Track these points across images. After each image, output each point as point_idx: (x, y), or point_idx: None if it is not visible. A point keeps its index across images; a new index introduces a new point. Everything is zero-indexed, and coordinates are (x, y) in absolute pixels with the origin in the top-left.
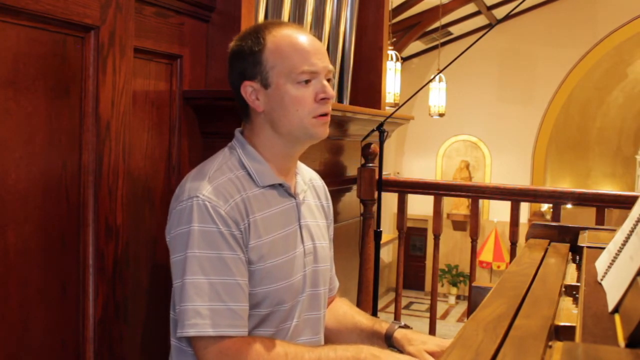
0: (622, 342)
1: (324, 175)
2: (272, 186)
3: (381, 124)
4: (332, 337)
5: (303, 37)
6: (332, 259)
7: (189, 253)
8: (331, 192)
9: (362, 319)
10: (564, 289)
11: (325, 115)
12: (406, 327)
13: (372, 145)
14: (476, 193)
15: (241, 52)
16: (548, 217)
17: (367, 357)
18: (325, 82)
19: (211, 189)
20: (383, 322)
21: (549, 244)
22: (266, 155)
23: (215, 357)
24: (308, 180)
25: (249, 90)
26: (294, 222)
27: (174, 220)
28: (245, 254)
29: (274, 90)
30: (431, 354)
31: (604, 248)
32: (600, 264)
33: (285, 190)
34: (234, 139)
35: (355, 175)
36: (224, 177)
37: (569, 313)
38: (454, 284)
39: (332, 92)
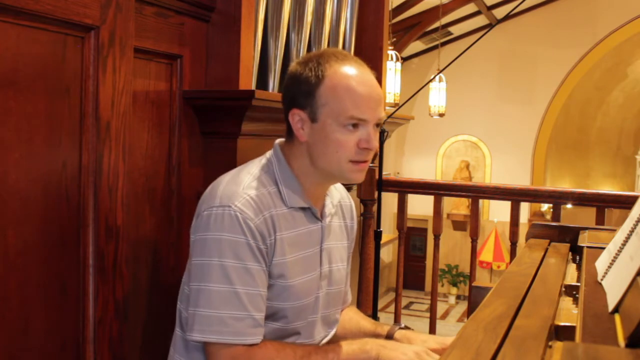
0: (622, 342)
1: None
2: (301, 208)
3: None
4: (336, 341)
5: (361, 81)
6: (348, 275)
7: (216, 261)
8: None
9: (366, 323)
10: (564, 289)
11: (364, 162)
12: (407, 328)
13: None
14: (476, 193)
15: (298, 79)
16: (548, 217)
17: (372, 347)
18: (372, 132)
19: (244, 200)
20: (385, 325)
21: (549, 244)
22: (300, 178)
23: None
24: (337, 202)
25: (296, 118)
26: (316, 245)
27: (203, 223)
28: (267, 266)
29: (320, 127)
30: (432, 351)
31: (604, 248)
32: (600, 264)
33: (312, 213)
34: (272, 150)
35: None
36: (257, 191)
37: (569, 313)
38: (454, 284)
39: (376, 143)
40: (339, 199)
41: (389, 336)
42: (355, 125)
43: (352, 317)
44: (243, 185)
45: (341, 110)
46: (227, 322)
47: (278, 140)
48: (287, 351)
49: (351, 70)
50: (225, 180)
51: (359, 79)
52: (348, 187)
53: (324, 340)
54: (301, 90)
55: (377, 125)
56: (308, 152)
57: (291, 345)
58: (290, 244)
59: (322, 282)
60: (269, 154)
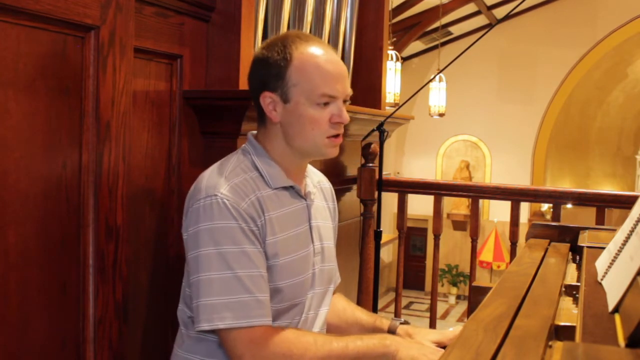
0: (622, 342)
1: (324, 175)
2: (284, 188)
3: (381, 124)
4: (331, 331)
5: (328, 60)
6: (335, 257)
7: (211, 249)
8: None
9: (362, 315)
10: (564, 289)
11: (337, 136)
12: (406, 323)
13: (372, 145)
14: (476, 193)
15: (266, 62)
16: (548, 217)
17: (392, 342)
18: (342, 107)
19: (228, 187)
20: (384, 319)
21: (549, 244)
22: (278, 159)
23: (246, 347)
24: (317, 183)
25: (267, 100)
26: (305, 222)
27: (193, 218)
28: (263, 248)
29: (293, 107)
30: (434, 342)
31: (604, 248)
32: (600, 263)
33: (296, 192)
34: (247, 142)
35: (355, 175)
36: (239, 178)
37: (569, 313)
38: (454, 284)
39: (347, 117)
40: (317, 180)
41: (391, 331)
42: (326, 104)
43: (346, 308)
44: (225, 175)
45: (313, 89)
46: (233, 307)
47: (251, 132)
48: (308, 338)
49: (317, 50)
50: (206, 175)
51: (326, 58)
52: (347, 188)
53: (320, 318)
54: (270, 73)
55: (345, 101)
56: (282, 132)
57: (312, 332)
58: (280, 223)
59: (316, 258)
60: (244, 145)
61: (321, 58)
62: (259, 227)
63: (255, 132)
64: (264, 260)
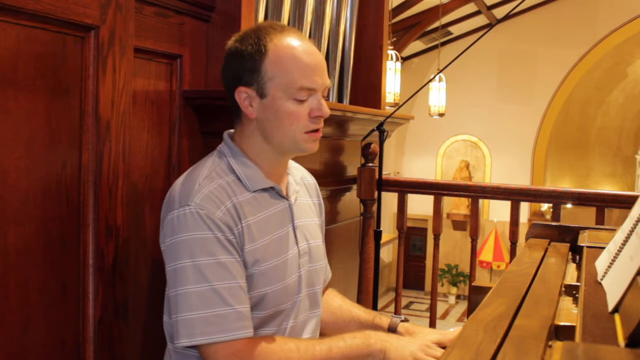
0: (622, 342)
1: (324, 175)
2: (264, 190)
3: (381, 124)
4: (328, 330)
5: (305, 51)
6: (325, 253)
7: (187, 262)
8: (331, 191)
9: (360, 312)
10: (564, 289)
11: (317, 131)
12: (406, 320)
13: (372, 145)
14: (476, 193)
15: (240, 56)
16: (548, 217)
17: (376, 341)
18: (322, 100)
19: (202, 196)
20: (383, 316)
21: (549, 244)
22: (256, 159)
23: None
24: (299, 179)
25: (243, 95)
26: (287, 224)
27: (168, 229)
28: (241, 256)
29: (270, 101)
30: (435, 343)
31: (604, 248)
32: (600, 263)
33: (276, 192)
34: (222, 143)
35: (355, 175)
36: (214, 184)
37: (569, 313)
38: (454, 284)
39: (327, 110)
40: (300, 176)
41: (392, 329)
42: (305, 96)
43: (342, 305)
44: (198, 182)
45: (290, 82)
46: (212, 321)
47: (227, 131)
48: (289, 345)
49: (293, 41)
50: (179, 182)
51: (302, 49)
52: (347, 188)
53: (311, 322)
54: (245, 67)
55: (324, 95)
56: (260, 129)
57: (293, 339)
58: (259, 228)
59: (302, 259)
60: (219, 146)
61: (297, 49)
62: (236, 235)
63: (232, 130)
64: (242, 269)
